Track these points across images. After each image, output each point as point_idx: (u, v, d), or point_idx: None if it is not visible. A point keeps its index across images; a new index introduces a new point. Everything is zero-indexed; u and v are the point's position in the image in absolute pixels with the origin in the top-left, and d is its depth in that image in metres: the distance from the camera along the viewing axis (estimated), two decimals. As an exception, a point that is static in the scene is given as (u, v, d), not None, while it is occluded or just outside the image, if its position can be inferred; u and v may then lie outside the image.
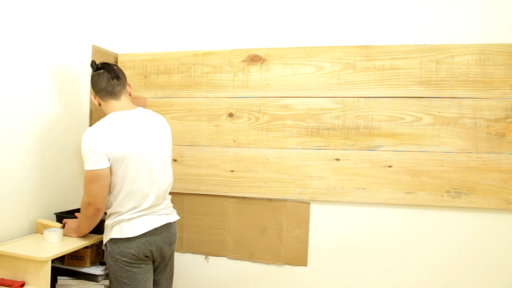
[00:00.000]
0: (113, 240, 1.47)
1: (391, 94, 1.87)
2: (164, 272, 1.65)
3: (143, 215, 1.48)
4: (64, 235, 1.60)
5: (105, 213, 1.57)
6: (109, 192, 1.49)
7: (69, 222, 1.65)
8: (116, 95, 1.52)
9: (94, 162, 1.40)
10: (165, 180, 1.56)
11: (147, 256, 1.50)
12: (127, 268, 1.46)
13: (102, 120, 1.48)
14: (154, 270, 1.61)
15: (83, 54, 1.98)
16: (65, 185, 1.87)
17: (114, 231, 1.47)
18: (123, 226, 1.46)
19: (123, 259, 1.45)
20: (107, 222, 1.51)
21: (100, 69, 1.53)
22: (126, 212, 1.47)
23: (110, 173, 1.44)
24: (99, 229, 1.65)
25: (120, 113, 1.50)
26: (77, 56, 1.93)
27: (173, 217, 1.61)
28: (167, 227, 1.56)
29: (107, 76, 1.51)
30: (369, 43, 1.90)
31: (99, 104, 1.56)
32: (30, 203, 1.66)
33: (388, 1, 1.89)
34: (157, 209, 1.53)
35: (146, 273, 1.50)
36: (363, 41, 1.91)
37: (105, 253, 1.51)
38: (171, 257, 1.66)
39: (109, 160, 1.41)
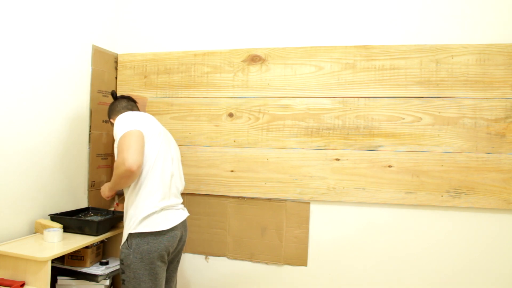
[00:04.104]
0: (141, 235, 1.43)
1: (391, 94, 1.87)
2: (175, 269, 1.68)
3: (169, 208, 1.52)
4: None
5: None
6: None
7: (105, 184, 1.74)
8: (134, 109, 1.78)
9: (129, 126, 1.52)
10: (179, 169, 1.67)
11: (172, 253, 1.55)
12: (152, 266, 1.44)
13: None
14: (168, 267, 1.63)
15: (83, 54, 1.98)
16: (64, 186, 1.87)
17: (144, 224, 1.43)
18: (155, 219, 1.45)
19: (151, 255, 1.43)
20: (131, 212, 1.46)
21: (118, 98, 1.80)
22: (154, 190, 1.47)
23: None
24: (98, 229, 1.65)
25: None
26: (77, 56, 1.93)
27: (187, 212, 1.67)
28: (184, 222, 1.63)
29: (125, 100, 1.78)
30: (369, 43, 1.90)
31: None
32: (30, 204, 1.66)
33: (388, 1, 1.90)
34: (176, 204, 1.58)
35: (163, 273, 1.52)
36: (363, 41, 1.91)
37: (126, 251, 1.44)
38: (181, 253, 1.70)
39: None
